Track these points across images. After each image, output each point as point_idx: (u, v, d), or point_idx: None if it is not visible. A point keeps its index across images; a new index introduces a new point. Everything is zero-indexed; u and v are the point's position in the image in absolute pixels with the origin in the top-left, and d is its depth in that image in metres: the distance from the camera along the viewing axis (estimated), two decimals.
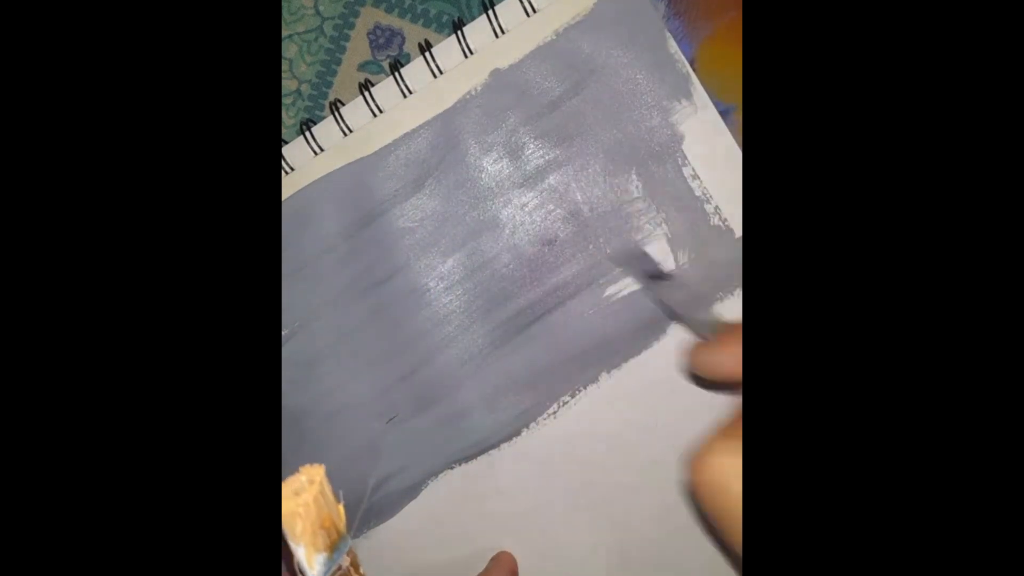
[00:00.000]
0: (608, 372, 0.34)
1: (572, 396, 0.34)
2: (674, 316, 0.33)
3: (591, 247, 0.33)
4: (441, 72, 0.33)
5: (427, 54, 0.32)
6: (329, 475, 0.37)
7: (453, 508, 0.35)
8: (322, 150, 0.34)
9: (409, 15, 0.34)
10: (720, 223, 0.32)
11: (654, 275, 0.32)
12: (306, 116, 0.35)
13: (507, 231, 0.33)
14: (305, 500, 0.20)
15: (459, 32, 0.32)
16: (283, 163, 0.34)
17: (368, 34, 0.34)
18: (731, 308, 0.32)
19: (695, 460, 0.20)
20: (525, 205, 0.33)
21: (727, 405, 0.32)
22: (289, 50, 0.35)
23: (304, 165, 0.34)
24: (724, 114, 0.32)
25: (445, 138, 0.33)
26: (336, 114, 0.33)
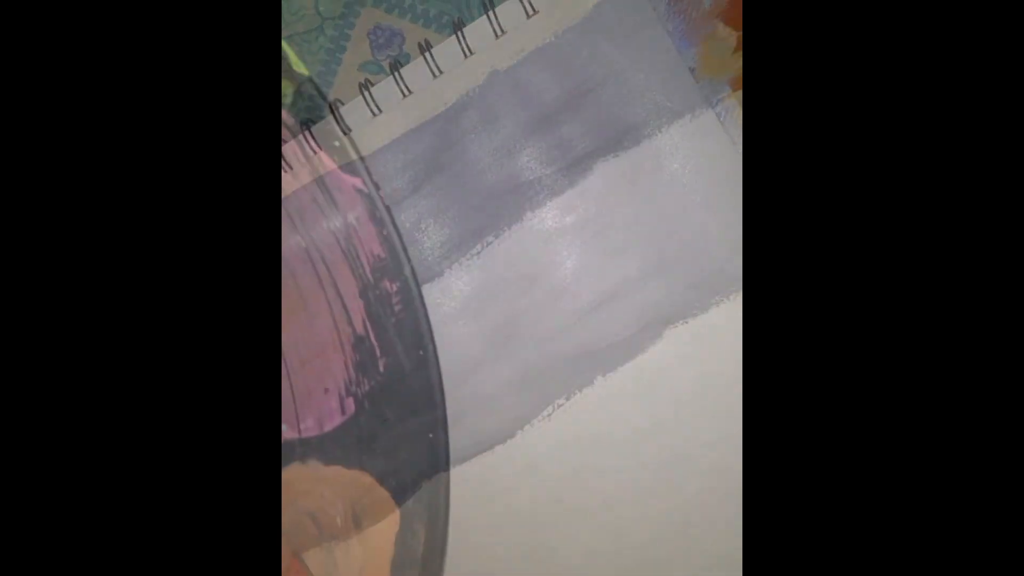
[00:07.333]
0: (603, 375, 0.33)
1: (567, 399, 0.34)
2: (670, 320, 0.33)
3: (589, 248, 0.33)
4: (441, 72, 0.33)
5: (427, 54, 0.32)
6: (328, 477, 0.37)
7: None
8: (321, 149, 0.34)
9: (409, 15, 0.34)
10: (718, 223, 0.32)
11: None
12: (306, 116, 0.35)
13: (505, 232, 0.33)
14: None
15: (459, 32, 0.32)
16: (283, 162, 0.34)
17: (368, 34, 0.34)
18: (731, 309, 0.32)
19: None
20: (523, 206, 0.33)
21: (723, 410, 0.32)
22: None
23: None
24: (724, 113, 0.32)
25: (444, 139, 0.33)
26: (336, 114, 0.33)
